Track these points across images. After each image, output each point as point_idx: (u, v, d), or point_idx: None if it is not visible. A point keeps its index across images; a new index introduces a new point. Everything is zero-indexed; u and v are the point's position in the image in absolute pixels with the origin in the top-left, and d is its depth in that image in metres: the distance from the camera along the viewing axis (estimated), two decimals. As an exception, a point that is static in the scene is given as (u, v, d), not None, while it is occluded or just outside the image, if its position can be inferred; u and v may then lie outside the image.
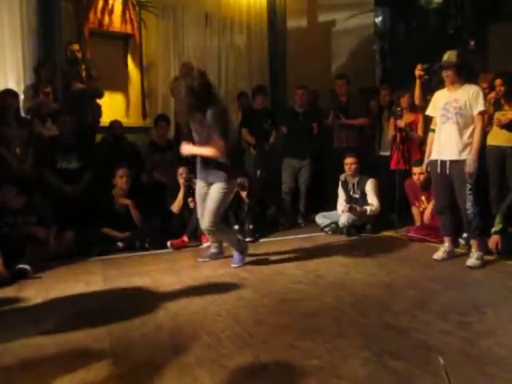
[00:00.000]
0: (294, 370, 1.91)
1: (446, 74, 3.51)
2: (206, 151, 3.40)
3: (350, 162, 4.96)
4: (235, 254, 3.69)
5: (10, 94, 4.50)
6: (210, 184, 3.49)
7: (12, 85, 5.09)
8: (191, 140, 3.57)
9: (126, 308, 2.78)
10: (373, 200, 4.88)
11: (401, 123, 4.91)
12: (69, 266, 3.77)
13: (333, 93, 5.77)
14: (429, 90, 4.00)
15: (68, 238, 4.14)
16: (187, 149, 3.50)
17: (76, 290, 3.13)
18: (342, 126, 5.45)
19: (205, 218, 3.45)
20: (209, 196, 3.45)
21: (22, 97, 4.89)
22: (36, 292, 3.09)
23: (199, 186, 3.59)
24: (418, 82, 4.06)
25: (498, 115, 4.24)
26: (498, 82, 4.24)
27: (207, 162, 3.46)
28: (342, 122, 5.41)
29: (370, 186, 4.93)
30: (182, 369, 1.95)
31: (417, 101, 4.26)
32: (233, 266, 3.63)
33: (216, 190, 3.42)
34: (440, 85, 3.71)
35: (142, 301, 2.90)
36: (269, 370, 1.93)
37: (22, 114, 4.74)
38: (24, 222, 3.87)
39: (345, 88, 5.49)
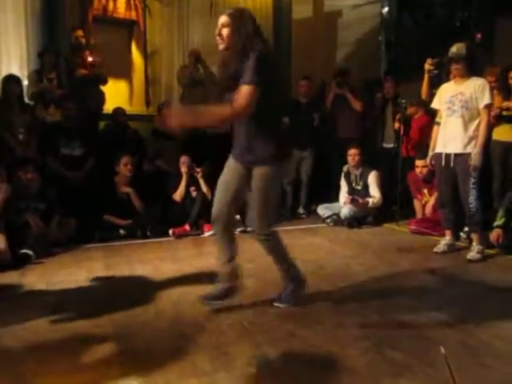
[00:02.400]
0: (294, 359, 1.93)
1: (456, 67, 3.48)
2: (211, 113, 2.28)
3: (353, 153, 4.95)
4: (287, 287, 2.59)
5: (13, 79, 4.49)
6: (248, 167, 2.42)
7: (15, 70, 5.09)
8: None
9: (127, 295, 2.80)
10: (375, 192, 4.88)
11: (396, 125, 4.98)
12: (71, 253, 3.79)
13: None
14: (437, 83, 3.96)
15: (70, 224, 4.16)
16: (176, 118, 2.21)
17: (78, 276, 3.16)
18: (345, 117, 5.44)
19: (255, 221, 2.46)
20: (253, 187, 2.40)
21: (25, 82, 4.89)
22: (38, 277, 3.12)
23: (231, 165, 2.49)
24: (426, 76, 4.02)
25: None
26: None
27: (247, 134, 2.37)
28: (338, 93, 5.41)
29: (372, 178, 4.92)
30: (183, 355, 1.97)
31: (423, 95, 4.22)
32: (275, 304, 2.55)
33: (261, 178, 2.37)
34: (448, 78, 3.67)
35: (144, 288, 2.92)
36: (269, 358, 1.95)
37: (26, 100, 4.73)
38: (35, 207, 3.89)
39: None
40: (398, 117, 5.07)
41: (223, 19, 2.33)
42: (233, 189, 2.45)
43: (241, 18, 2.33)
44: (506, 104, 4.15)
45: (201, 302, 2.53)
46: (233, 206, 2.49)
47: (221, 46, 2.37)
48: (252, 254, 3.69)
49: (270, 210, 2.43)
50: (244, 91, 2.17)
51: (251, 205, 2.46)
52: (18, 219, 3.68)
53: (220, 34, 2.34)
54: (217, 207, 2.48)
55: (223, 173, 2.52)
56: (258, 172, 2.37)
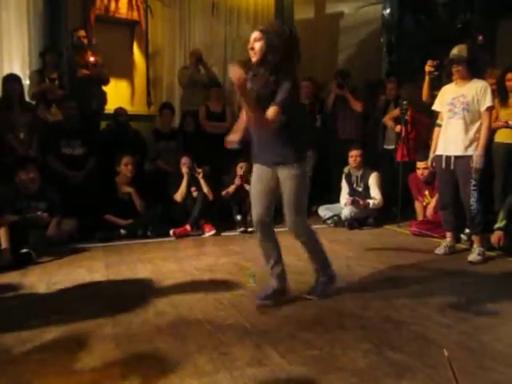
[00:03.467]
0: (294, 360, 1.93)
1: (457, 69, 3.48)
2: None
3: (354, 154, 4.95)
4: (321, 280, 2.72)
5: (14, 78, 4.50)
6: (273, 168, 2.55)
7: (17, 69, 5.09)
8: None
9: (127, 295, 2.80)
10: (376, 194, 4.88)
11: (397, 128, 5.00)
12: (71, 253, 3.79)
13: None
14: (438, 85, 3.96)
15: (71, 224, 4.16)
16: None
17: (78, 276, 3.16)
18: (347, 118, 5.45)
19: (291, 220, 2.56)
20: (284, 188, 2.53)
21: (27, 82, 4.89)
22: (39, 277, 3.12)
23: (258, 173, 2.63)
24: (427, 78, 4.02)
25: (504, 114, 4.19)
26: (510, 75, 4.13)
27: (271, 138, 2.50)
28: (338, 94, 5.41)
29: (373, 180, 4.93)
30: (183, 356, 1.97)
31: (424, 97, 4.22)
32: (308, 297, 2.68)
33: (289, 177, 2.50)
34: (449, 80, 3.67)
35: (144, 288, 2.92)
36: (269, 359, 1.95)
37: (27, 99, 4.74)
38: (36, 207, 3.90)
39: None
40: (391, 115, 5.12)
41: (255, 34, 2.44)
42: (267, 191, 2.60)
43: (272, 33, 2.42)
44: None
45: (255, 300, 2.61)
46: (271, 209, 2.64)
47: (253, 59, 2.47)
48: (252, 253, 3.70)
49: (305, 208, 2.60)
50: (275, 109, 2.35)
51: (286, 203, 2.56)
52: (19, 219, 3.68)
53: (252, 48, 2.45)
54: (256, 212, 2.62)
55: (253, 181, 2.68)
56: (285, 173, 2.51)
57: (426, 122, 4.98)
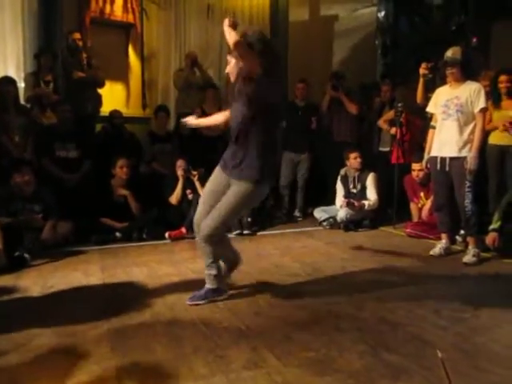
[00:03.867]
0: (290, 362, 1.93)
1: (451, 71, 3.49)
2: (211, 120, 2.97)
3: (355, 156, 4.97)
4: (207, 286, 2.68)
5: (8, 81, 4.48)
6: (229, 180, 2.60)
7: (12, 71, 5.07)
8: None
9: (123, 298, 2.79)
10: (372, 194, 4.90)
11: (392, 130, 5.02)
12: (66, 256, 3.77)
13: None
14: (432, 87, 3.98)
15: (66, 227, 4.14)
16: (192, 121, 2.96)
17: (74, 279, 3.14)
18: (342, 120, 5.46)
19: (207, 221, 2.55)
20: (225, 196, 2.55)
21: (22, 84, 4.88)
22: (34, 280, 3.10)
23: (217, 175, 2.70)
24: (421, 80, 4.04)
25: (497, 117, 4.22)
26: (503, 78, 4.14)
27: (238, 150, 2.54)
28: (333, 96, 5.41)
29: (371, 180, 4.94)
30: (179, 358, 1.97)
31: (419, 100, 4.24)
32: (188, 302, 2.63)
33: (237, 190, 2.52)
34: (443, 83, 3.69)
35: (140, 291, 2.91)
36: (265, 361, 1.94)
37: (22, 102, 4.72)
38: (31, 209, 3.88)
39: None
40: (386, 117, 5.14)
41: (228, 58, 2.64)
42: (216, 198, 2.60)
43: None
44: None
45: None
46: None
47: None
48: (247, 256, 3.70)
49: (227, 221, 2.62)
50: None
51: (217, 207, 2.55)
52: (13, 221, 3.66)
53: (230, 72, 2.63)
54: (197, 221, 2.65)
55: (209, 180, 2.73)
56: (238, 186, 2.52)
57: (419, 124, 5.00)
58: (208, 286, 2.68)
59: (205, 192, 2.75)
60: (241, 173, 2.51)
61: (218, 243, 2.62)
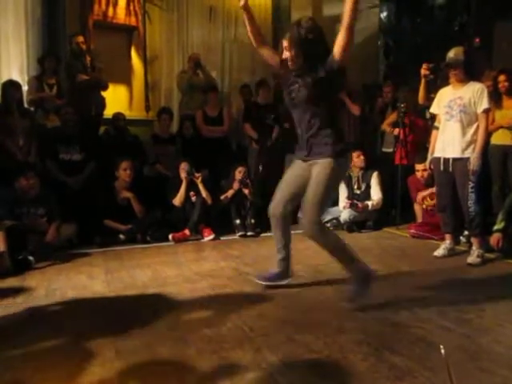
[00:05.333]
0: (293, 364, 1.93)
1: (455, 72, 3.49)
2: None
3: (358, 154, 4.97)
4: (353, 282, 2.61)
5: (13, 84, 4.51)
6: (311, 165, 2.57)
7: (15, 75, 5.10)
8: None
9: (126, 300, 2.79)
10: (376, 193, 4.89)
11: (395, 131, 5.00)
12: (70, 258, 3.79)
13: None
14: (433, 88, 3.98)
15: (70, 229, 4.16)
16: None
17: (78, 281, 3.16)
18: (344, 121, 5.45)
19: (305, 212, 2.55)
20: (311, 179, 2.52)
21: (25, 88, 4.91)
22: (38, 283, 3.12)
23: (296, 164, 2.70)
24: (422, 81, 4.04)
25: (499, 117, 4.22)
26: (501, 77, 4.21)
27: (314, 132, 2.54)
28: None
29: (375, 179, 4.95)
30: (183, 360, 1.97)
31: (421, 100, 4.23)
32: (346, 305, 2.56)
33: (322, 170, 2.49)
34: (444, 83, 3.69)
35: (143, 293, 2.91)
36: (269, 363, 1.94)
37: (25, 105, 4.75)
38: (35, 213, 3.90)
39: None
40: (389, 120, 5.13)
41: (284, 43, 2.54)
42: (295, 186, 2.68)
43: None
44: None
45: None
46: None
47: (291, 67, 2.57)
48: (251, 257, 3.71)
49: (324, 205, 2.58)
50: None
51: (306, 195, 2.55)
52: (17, 224, 3.68)
53: (286, 58, 2.55)
54: (274, 208, 2.77)
55: (289, 170, 2.77)
56: (318, 165, 2.51)
57: (422, 124, 5.00)
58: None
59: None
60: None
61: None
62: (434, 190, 4.02)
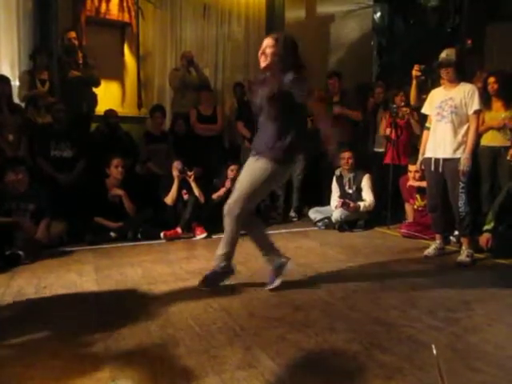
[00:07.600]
0: (284, 363, 1.93)
1: (446, 72, 3.51)
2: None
3: (346, 156, 4.97)
4: (213, 270, 2.90)
5: (2, 80, 4.46)
6: (256, 156, 2.77)
7: (6, 70, 5.05)
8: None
9: (117, 298, 2.78)
10: (367, 195, 4.91)
11: (387, 130, 5.01)
12: (60, 256, 3.76)
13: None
14: (425, 89, 4.01)
15: (60, 226, 4.12)
16: None
17: (68, 279, 3.13)
18: (335, 121, 5.46)
19: (232, 195, 2.78)
20: (244, 169, 2.80)
21: (17, 83, 4.86)
22: (28, 280, 3.08)
23: (250, 160, 2.85)
24: (414, 82, 4.06)
25: (488, 118, 4.26)
26: (491, 79, 4.26)
27: (265, 128, 2.76)
28: (337, 112, 5.39)
29: (366, 182, 4.95)
30: (173, 359, 1.96)
31: (412, 101, 4.27)
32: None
33: (258, 166, 2.71)
34: (436, 84, 3.71)
35: (134, 291, 2.90)
36: (259, 361, 1.94)
37: (16, 101, 4.70)
38: (25, 208, 3.86)
39: (337, 85, 5.48)
40: (385, 118, 5.14)
41: (269, 41, 2.69)
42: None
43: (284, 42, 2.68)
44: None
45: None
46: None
47: (263, 64, 2.71)
48: (243, 256, 3.70)
49: (250, 197, 2.74)
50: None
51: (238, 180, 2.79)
52: (5, 220, 3.65)
53: (264, 53, 2.69)
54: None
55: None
56: (261, 161, 2.70)
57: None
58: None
59: None
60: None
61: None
62: (424, 183, 4.02)
